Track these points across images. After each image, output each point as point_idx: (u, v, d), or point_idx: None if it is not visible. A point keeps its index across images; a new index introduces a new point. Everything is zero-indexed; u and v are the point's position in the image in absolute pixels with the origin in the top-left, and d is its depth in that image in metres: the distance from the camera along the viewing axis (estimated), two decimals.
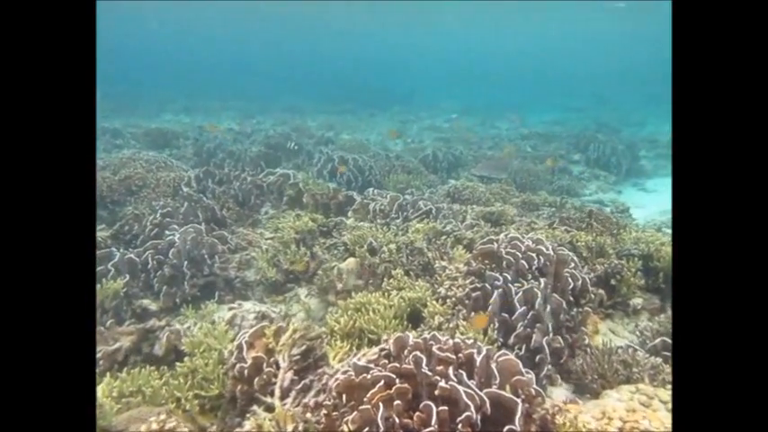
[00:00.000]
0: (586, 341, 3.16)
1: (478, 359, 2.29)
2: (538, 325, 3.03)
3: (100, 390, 2.84)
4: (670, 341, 3.11)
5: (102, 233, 5.21)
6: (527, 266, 3.41)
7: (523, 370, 2.25)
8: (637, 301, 3.72)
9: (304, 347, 2.96)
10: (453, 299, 3.49)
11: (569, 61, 48.13)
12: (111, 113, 14.23)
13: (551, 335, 3.01)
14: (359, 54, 52.42)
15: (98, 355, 3.26)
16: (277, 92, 24.08)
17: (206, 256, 4.49)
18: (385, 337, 3.18)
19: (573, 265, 3.52)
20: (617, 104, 22.13)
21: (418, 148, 10.79)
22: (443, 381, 2.07)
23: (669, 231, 5.02)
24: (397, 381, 2.19)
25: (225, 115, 16.11)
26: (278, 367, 2.87)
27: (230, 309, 4.23)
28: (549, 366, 2.96)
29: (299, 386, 2.77)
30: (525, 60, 48.83)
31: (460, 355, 2.34)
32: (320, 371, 2.90)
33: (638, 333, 3.45)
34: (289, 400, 2.73)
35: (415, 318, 3.48)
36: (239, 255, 4.94)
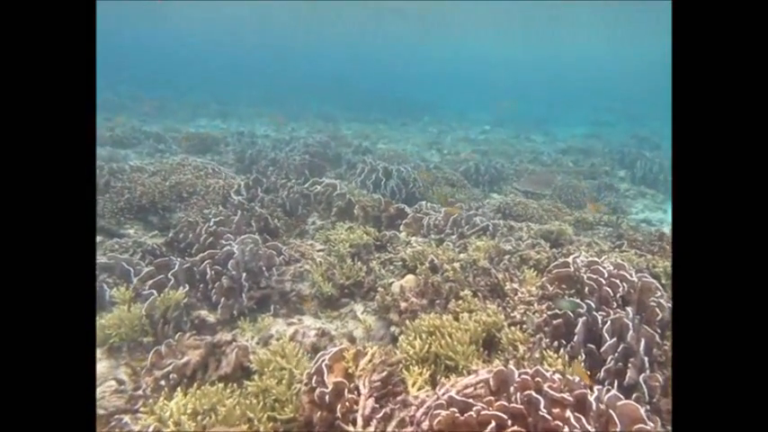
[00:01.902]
0: None
1: (593, 401, 2.14)
2: (632, 360, 2.86)
3: (174, 406, 2.75)
4: None
5: (156, 240, 5.19)
6: (611, 294, 3.25)
7: (645, 416, 2.10)
8: None
9: (385, 373, 2.84)
10: (531, 324, 3.34)
11: (594, 72, 47.60)
12: (147, 117, 14.40)
13: (648, 371, 2.84)
14: (384, 62, 52.65)
15: (168, 369, 3.19)
16: (307, 98, 24.20)
17: (263, 268, 4.41)
18: (465, 363, 3.06)
19: (659, 293, 3.34)
20: (647, 120, 21.69)
21: (456, 160, 10.66)
22: (565, 426, 1.93)
23: None
24: (509, 422, 2.05)
25: (259, 122, 16.18)
26: (358, 393, 2.75)
27: (290, 324, 4.15)
28: (647, 407, 2.78)
29: (380, 414, 2.64)
30: (548, 71, 48.44)
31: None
32: (400, 398, 2.77)
33: None
34: (370, 429, 2.61)
35: (489, 344, 3.34)
36: (293, 267, 4.85)
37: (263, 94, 23.72)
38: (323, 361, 2.87)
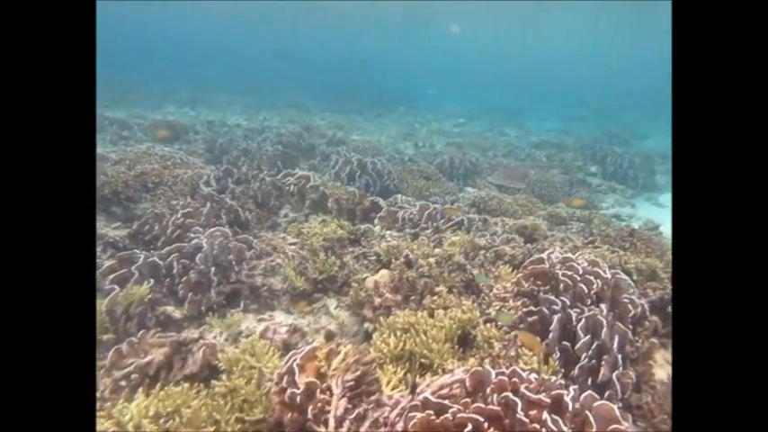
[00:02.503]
0: (655, 375, 2.99)
1: (569, 401, 2.11)
2: (605, 357, 2.85)
3: (135, 409, 2.62)
4: None
5: (119, 232, 4.97)
6: (586, 290, 3.24)
7: (620, 417, 2.08)
8: None
9: (359, 372, 2.77)
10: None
11: (566, 68, 48.29)
12: (111, 103, 13.86)
13: (621, 368, 2.84)
14: (358, 53, 52.22)
15: (129, 369, 3.04)
16: (279, 88, 23.78)
17: (233, 262, 4.27)
18: (440, 362, 3.01)
19: (631, 290, 3.35)
20: (618, 115, 22.11)
21: (431, 153, 10.62)
22: (543, 429, 1.89)
23: None
24: (485, 424, 2.01)
25: (230, 110, 15.79)
26: (331, 394, 2.67)
27: (261, 320, 4.03)
28: (620, 404, 2.78)
29: (353, 415, 2.58)
30: (522, 65, 48.92)
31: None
32: (374, 398, 2.70)
33: None
34: (343, 430, 2.54)
35: (464, 341, 3.30)
36: (264, 261, 4.72)
37: (235, 83, 23.20)
38: (294, 360, 2.78)
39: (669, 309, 3.52)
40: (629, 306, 3.23)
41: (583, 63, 49.21)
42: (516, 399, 2.01)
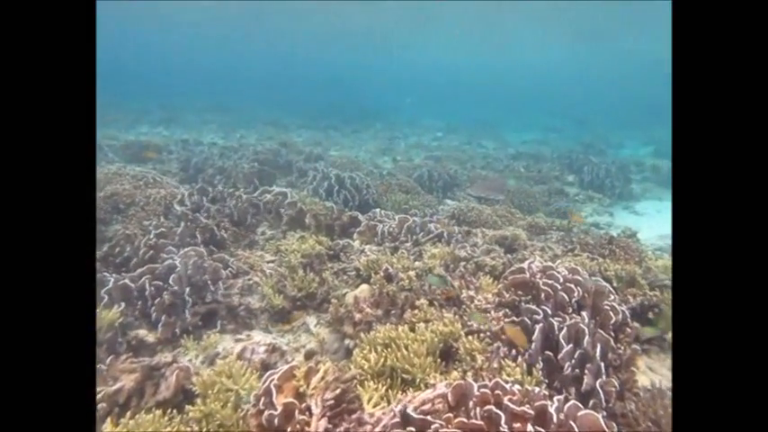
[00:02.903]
0: (639, 383, 2.96)
1: (553, 412, 2.06)
2: (588, 365, 2.82)
3: None
4: None
5: None
6: (567, 299, 3.22)
7: (605, 426, 2.03)
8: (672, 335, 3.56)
9: (339, 390, 2.69)
10: (488, 333, 3.26)
11: (541, 80, 49.26)
12: None
13: (604, 377, 2.80)
14: (335, 70, 52.53)
15: (98, 396, 2.90)
16: (255, 105, 23.68)
17: (209, 282, 4.16)
18: (423, 376, 2.94)
19: (612, 297, 3.34)
20: (593, 126, 22.56)
21: (409, 167, 10.62)
22: None
23: None
24: None
25: (206, 129, 15.62)
26: (310, 414, 2.58)
27: (238, 340, 3.91)
28: (604, 413, 2.74)
29: None
30: (499, 77, 49.75)
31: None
32: (355, 416, 2.62)
33: None
34: None
35: (446, 354, 3.23)
36: (241, 280, 4.61)
37: (211, 102, 23.03)
38: (271, 381, 2.68)
39: (650, 315, 3.52)
40: (611, 313, 3.21)
41: (558, 74, 50.23)
42: (499, 412, 1.95)
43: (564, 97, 34.61)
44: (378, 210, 6.01)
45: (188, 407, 2.77)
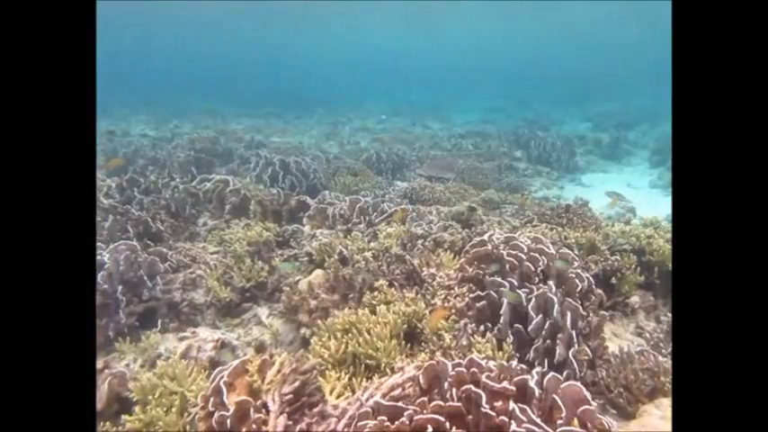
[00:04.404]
0: (609, 350, 2.88)
1: (534, 386, 1.90)
2: (559, 335, 2.70)
3: None
4: None
5: None
6: (533, 269, 3.10)
7: (589, 396, 1.90)
8: (634, 299, 3.54)
9: (297, 383, 2.43)
10: (452, 311, 3.09)
11: (478, 61, 49.81)
12: None
13: (576, 346, 2.69)
14: (271, 57, 50.96)
15: None
16: (188, 96, 22.51)
17: (145, 278, 3.76)
18: (388, 361, 2.73)
19: (576, 264, 3.25)
20: (532, 105, 23.00)
21: (356, 150, 10.35)
22: (515, 423, 1.65)
23: (633, 223, 4.97)
24: (447, 424, 1.75)
25: (135, 120, 14.63)
26: (267, 411, 2.32)
27: (182, 339, 3.56)
28: (579, 383, 2.63)
29: None
30: (436, 61, 49.87)
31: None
32: (317, 410, 2.38)
33: (647, 335, 3.24)
34: None
35: (411, 336, 3.04)
36: (183, 274, 4.23)
37: (139, 95, 21.67)
38: (221, 378, 2.40)
39: (613, 280, 3.47)
40: (576, 281, 3.11)
41: (492, 55, 50.91)
42: (479, 391, 1.76)
43: (501, 78, 35.04)
44: (327, 192, 5.73)
45: (124, 417, 2.44)
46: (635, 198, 8.18)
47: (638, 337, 3.37)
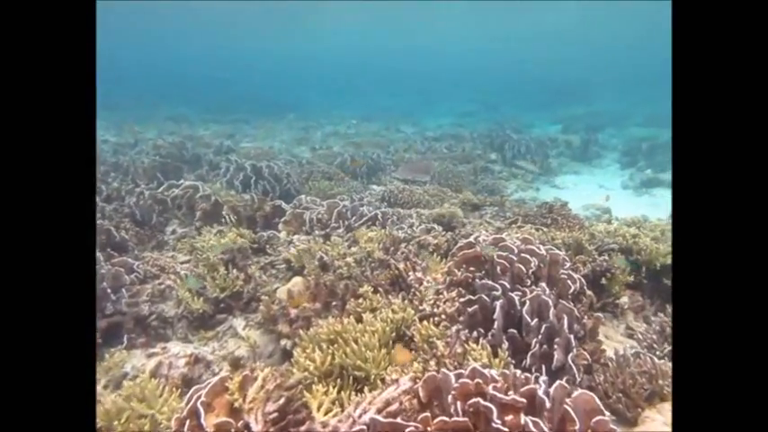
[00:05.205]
0: (606, 353, 2.78)
1: (543, 397, 1.76)
2: (557, 340, 2.59)
3: None
4: None
5: None
6: (524, 270, 2.98)
7: (601, 406, 1.77)
8: (623, 300, 3.47)
9: (282, 400, 2.25)
10: (443, 316, 2.95)
11: (445, 66, 50.10)
12: None
13: (575, 350, 2.58)
14: (237, 63, 50.08)
15: None
16: (151, 102, 21.80)
17: (108, 291, 3.50)
18: (378, 372, 2.56)
19: (567, 265, 3.16)
20: (502, 109, 23.21)
21: (329, 155, 10.14)
22: None
23: (616, 223, 4.94)
24: None
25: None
26: None
27: (151, 355, 3.30)
28: (578, 390, 2.52)
29: None
30: (403, 67, 49.93)
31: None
32: (305, 429, 2.20)
33: (638, 336, 3.16)
34: None
35: (401, 344, 2.88)
36: (150, 285, 3.97)
37: (98, 99, 20.83)
38: (198, 398, 2.19)
39: (603, 280, 3.39)
40: (569, 282, 3.02)
41: (459, 61, 51.24)
42: (489, 404, 1.61)
43: (469, 83, 35.27)
44: (303, 196, 5.53)
45: None
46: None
47: (629, 338, 3.29)
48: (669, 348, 2.89)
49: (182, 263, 4.50)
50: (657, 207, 8.18)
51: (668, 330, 3.06)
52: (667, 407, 2.40)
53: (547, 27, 38.15)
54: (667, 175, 9.66)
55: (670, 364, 2.66)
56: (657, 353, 2.95)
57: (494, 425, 1.56)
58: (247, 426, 2.14)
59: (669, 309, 3.23)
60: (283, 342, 3.34)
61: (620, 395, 2.60)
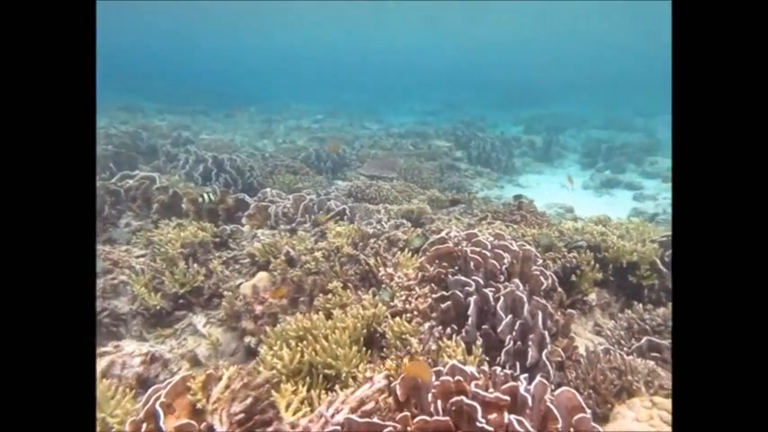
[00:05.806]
0: (579, 349, 2.78)
1: (525, 394, 1.71)
2: (531, 336, 2.55)
3: None
4: (658, 341, 2.87)
5: None
6: (498, 266, 2.94)
7: (583, 403, 1.73)
8: (592, 297, 3.50)
9: (249, 400, 2.13)
10: (415, 313, 2.88)
11: (417, 66, 50.24)
12: None
13: (549, 347, 2.56)
14: (193, 54, 48.63)
15: None
16: (101, 90, 20.85)
17: None
18: (349, 370, 2.46)
19: (539, 261, 3.14)
20: (464, 109, 23.42)
21: (293, 148, 9.93)
22: None
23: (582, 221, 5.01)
24: None
25: None
26: None
27: (102, 354, 3.08)
28: (553, 387, 2.50)
29: None
30: (365, 65, 49.70)
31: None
32: (272, 429, 2.10)
33: (606, 333, 3.19)
34: None
35: (371, 341, 2.79)
36: (102, 280, 3.73)
37: None
38: (157, 399, 2.04)
39: (573, 277, 3.40)
40: (541, 278, 3.00)
41: (419, 61, 51.39)
42: (473, 403, 1.54)
43: (430, 82, 35.39)
44: (268, 189, 5.35)
45: None
46: (570, 199, 8.43)
47: (597, 335, 3.32)
48: (636, 345, 2.91)
49: (137, 257, 4.26)
50: (617, 207, 8.40)
51: (636, 327, 3.09)
52: (637, 402, 2.41)
53: (505, 30, 38.85)
54: (625, 176, 9.95)
55: (639, 360, 2.68)
56: (625, 349, 2.97)
57: (478, 424, 1.49)
58: (211, 428, 2.01)
59: (636, 305, 3.27)
60: (247, 339, 3.20)
61: (591, 391, 2.60)
